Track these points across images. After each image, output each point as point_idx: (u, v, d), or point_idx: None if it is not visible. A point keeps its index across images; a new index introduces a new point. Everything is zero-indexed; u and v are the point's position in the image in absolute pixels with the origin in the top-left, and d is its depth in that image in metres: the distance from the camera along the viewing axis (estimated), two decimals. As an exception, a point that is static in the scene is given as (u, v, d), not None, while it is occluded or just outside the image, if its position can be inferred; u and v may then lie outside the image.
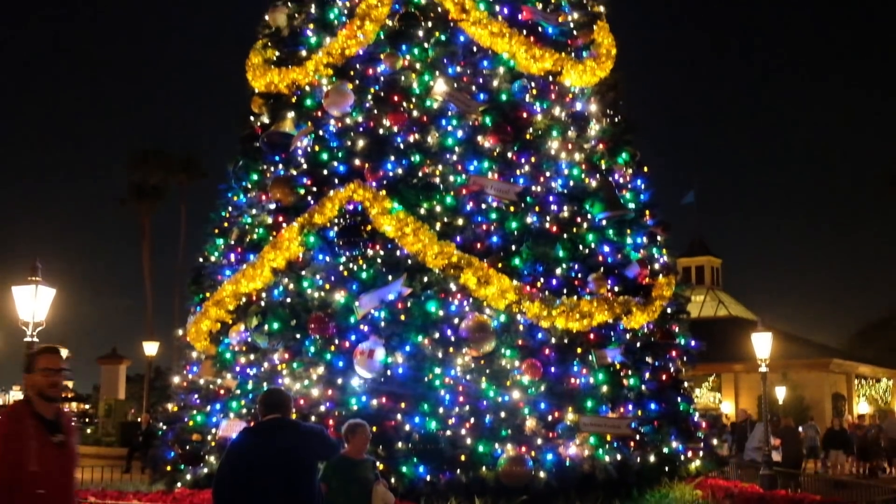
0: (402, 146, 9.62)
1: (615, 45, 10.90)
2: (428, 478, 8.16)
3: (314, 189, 9.70)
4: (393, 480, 7.67)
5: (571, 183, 9.99)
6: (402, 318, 8.91)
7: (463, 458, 8.30)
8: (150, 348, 28.84)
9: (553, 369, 9.01)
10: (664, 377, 10.07)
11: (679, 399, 10.29)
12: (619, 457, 8.92)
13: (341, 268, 9.31)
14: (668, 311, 10.42)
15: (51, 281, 10.52)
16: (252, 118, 10.86)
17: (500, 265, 9.06)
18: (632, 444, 9.21)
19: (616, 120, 10.99)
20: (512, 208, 9.46)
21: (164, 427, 10.31)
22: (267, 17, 10.98)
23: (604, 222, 10.06)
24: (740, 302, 42.86)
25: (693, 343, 10.74)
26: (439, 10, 10.14)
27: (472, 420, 8.53)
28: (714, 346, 17.75)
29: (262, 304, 9.56)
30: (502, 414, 8.63)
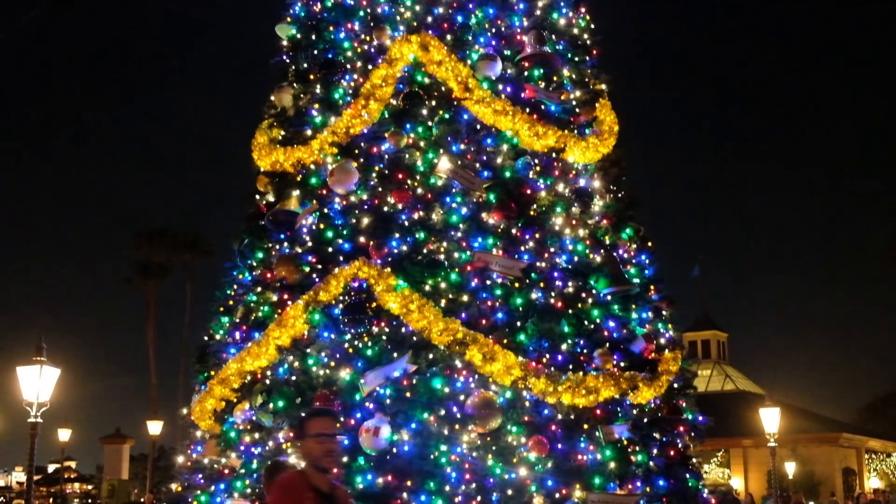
0: (406, 223, 9.67)
1: (617, 121, 10.99)
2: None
3: (319, 267, 9.73)
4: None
5: (576, 258, 10.00)
6: (408, 395, 8.86)
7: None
8: (154, 427, 28.71)
9: (560, 446, 8.92)
10: (672, 453, 9.96)
11: (688, 475, 10.17)
12: (628, 535, 8.79)
13: (346, 345, 9.29)
14: (675, 386, 10.36)
15: (56, 360, 10.52)
16: (257, 197, 10.94)
17: (505, 341, 9.03)
18: (641, 521, 9.09)
19: (619, 195, 11.05)
20: (517, 284, 9.46)
21: (168, 508, 10.20)
22: (273, 98, 11.11)
23: (609, 297, 10.05)
24: (747, 376, 42.67)
25: (701, 418, 10.65)
26: (443, 89, 10.27)
27: (479, 498, 8.43)
28: (722, 420, 17.62)
29: (267, 382, 9.53)
30: (509, 491, 8.53)
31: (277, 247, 10.33)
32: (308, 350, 9.38)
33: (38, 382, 10.19)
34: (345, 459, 8.56)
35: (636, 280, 10.57)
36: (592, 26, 11.51)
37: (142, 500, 24.81)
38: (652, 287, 10.84)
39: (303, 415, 4.67)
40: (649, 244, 11.15)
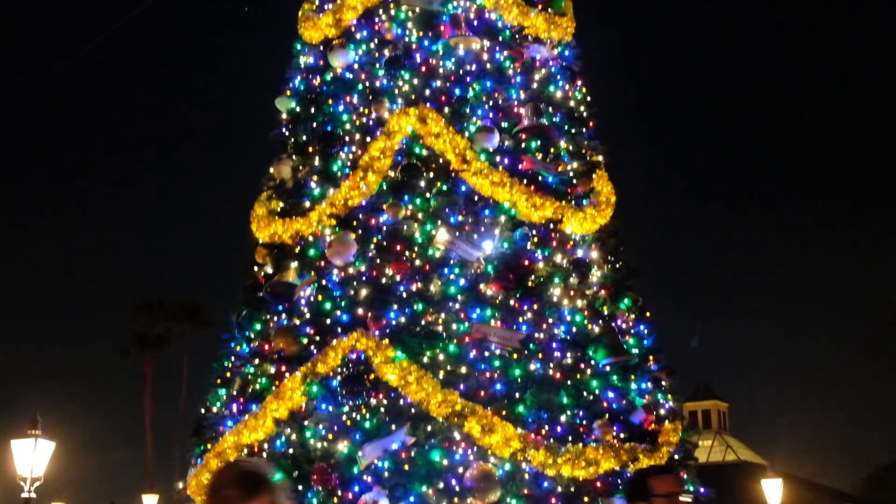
0: (404, 295, 9.67)
1: (614, 192, 11.05)
2: None
3: (317, 338, 9.70)
4: None
5: (574, 329, 9.98)
6: (406, 467, 8.78)
7: None
8: (150, 501, 28.40)
9: (560, 519, 8.83)
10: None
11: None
12: None
13: (344, 417, 9.23)
14: (676, 457, 10.27)
15: (50, 434, 10.44)
16: (256, 268, 10.94)
17: (504, 413, 8.97)
18: None
19: (617, 266, 11.05)
20: (515, 355, 9.43)
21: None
22: (272, 170, 11.18)
23: (608, 368, 10.01)
24: (749, 446, 42.36)
25: (702, 490, 10.53)
26: (441, 161, 10.34)
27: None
28: (724, 492, 17.44)
29: (264, 455, 9.45)
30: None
31: (275, 318, 10.32)
32: (306, 422, 9.32)
33: (32, 456, 10.09)
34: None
35: (635, 350, 10.54)
36: (589, 99, 11.61)
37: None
38: (651, 357, 10.80)
39: (640, 474, 4.38)
40: (648, 314, 11.13)
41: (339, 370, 9.37)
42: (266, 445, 9.52)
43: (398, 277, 9.78)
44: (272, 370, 9.89)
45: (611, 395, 9.86)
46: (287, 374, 9.54)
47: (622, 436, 9.56)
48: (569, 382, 9.56)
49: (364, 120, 10.82)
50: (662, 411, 10.39)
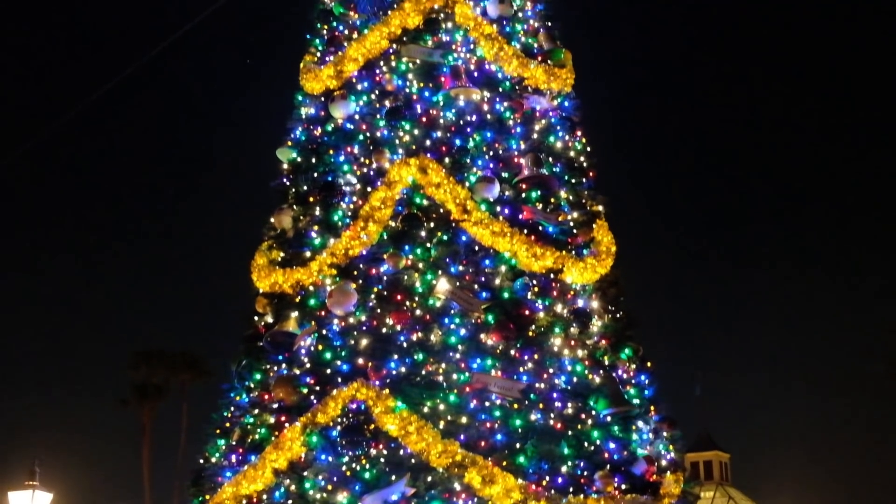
0: (405, 345, 9.67)
1: (614, 242, 11.07)
2: None
3: (317, 388, 9.69)
4: None
5: (575, 379, 9.95)
6: (407, 519, 8.73)
7: None
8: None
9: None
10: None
11: None
12: None
13: (344, 468, 9.19)
14: (678, 509, 10.18)
15: (48, 485, 10.38)
16: (256, 318, 10.94)
17: (504, 463, 8.94)
18: None
19: (618, 316, 11.04)
20: (516, 406, 9.41)
21: None
22: (272, 220, 11.21)
23: (609, 419, 9.96)
24: (751, 497, 42.04)
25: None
26: (441, 211, 10.38)
27: None
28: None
29: (264, 506, 9.39)
30: None
31: (275, 368, 10.30)
32: (305, 473, 9.27)
33: (30, 507, 10.02)
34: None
35: (636, 401, 10.49)
36: (588, 149, 11.68)
37: None
38: (652, 408, 10.75)
39: None
40: (648, 364, 11.10)
41: (339, 420, 9.34)
42: (265, 496, 9.46)
43: (399, 327, 9.79)
44: (272, 420, 9.85)
45: (612, 445, 9.80)
46: (287, 425, 9.51)
47: (623, 487, 9.49)
48: (570, 433, 9.52)
49: (365, 170, 10.87)
50: (664, 462, 10.32)
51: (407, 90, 11.19)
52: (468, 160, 10.70)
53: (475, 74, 11.25)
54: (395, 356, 9.60)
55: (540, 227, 10.58)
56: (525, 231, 10.33)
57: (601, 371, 10.22)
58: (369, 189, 10.60)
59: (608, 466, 9.54)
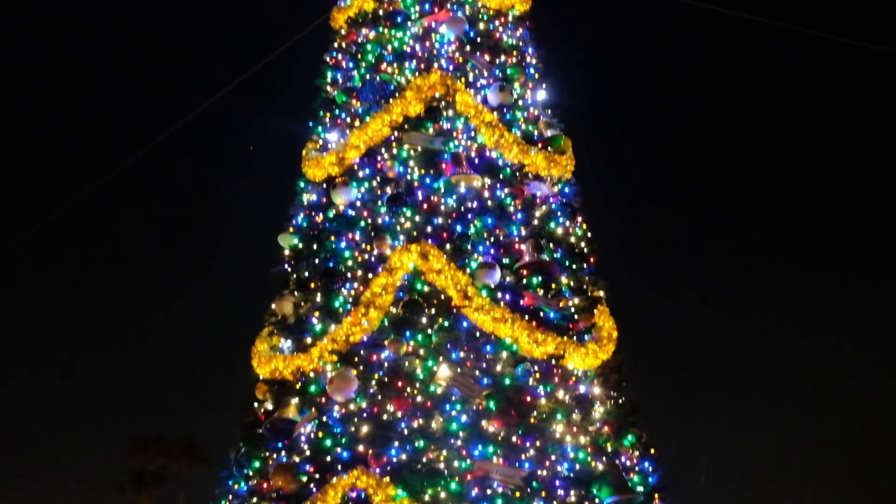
0: (406, 432, 9.60)
1: (616, 327, 11.05)
2: None
3: (317, 476, 9.58)
4: None
5: (578, 467, 9.86)
6: None
7: None
8: None
9: None
10: None
11: None
12: None
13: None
14: None
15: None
16: (255, 405, 10.87)
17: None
18: None
19: (620, 402, 10.98)
20: (518, 494, 9.31)
21: None
22: (273, 306, 11.21)
23: (612, 507, 9.84)
24: (757, 587, 41.27)
25: None
26: (442, 297, 10.38)
27: None
28: None
29: None
30: None
31: (275, 456, 10.21)
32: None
33: None
34: None
35: (640, 488, 10.38)
36: (589, 235, 11.72)
37: None
38: (656, 495, 10.63)
39: None
40: (652, 451, 11.00)
41: (338, 509, 9.22)
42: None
43: (399, 414, 9.73)
44: (271, 509, 9.73)
45: (616, 534, 9.68)
46: (286, 513, 9.38)
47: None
48: (573, 521, 9.40)
49: (366, 256, 10.90)
50: (669, 551, 10.19)
51: (408, 177, 11.28)
52: (469, 246, 10.73)
53: (476, 161, 11.35)
54: (396, 443, 9.52)
55: (541, 313, 10.58)
56: (526, 317, 10.33)
57: (604, 458, 10.13)
58: (370, 275, 10.61)
59: (612, 555, 9.42)
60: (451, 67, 11.83)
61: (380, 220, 11.07)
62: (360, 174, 11.45)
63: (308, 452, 9.89)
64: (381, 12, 12.42)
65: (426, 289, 10.49)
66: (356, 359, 10.25)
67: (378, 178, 11.39)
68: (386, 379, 10.00)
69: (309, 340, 10.59)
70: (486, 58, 12.10)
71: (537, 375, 10.23)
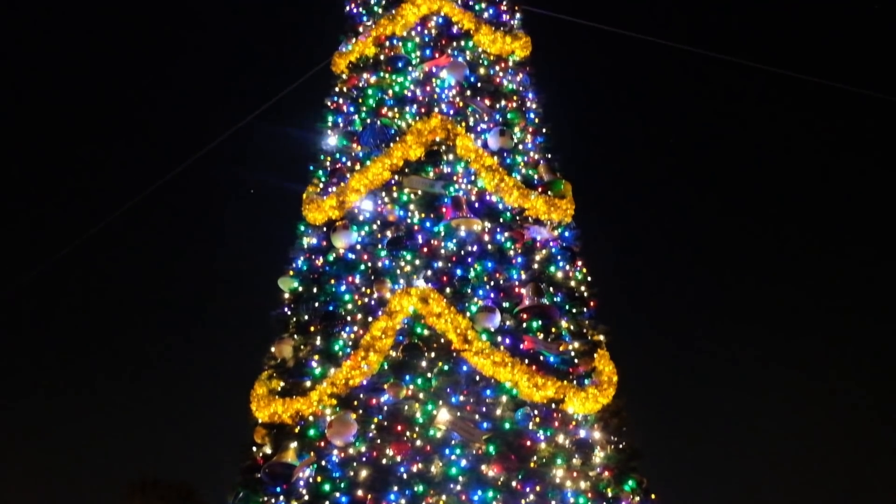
0: (405, 476, 9.53)
1: (616, 372, 11.02)
2: None
3: (315, 521, 9.52)
4: None
5: (578, 512, 9.79)
6: None
7: None
8: None
9: None
10: None
11: None
12: None
13: None
14: None
15: None
16: (254, 448, 10.81)
17: None
18: None
19: (621, 446, 10.92)
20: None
21: None
22: (273, 349, 11.18)
23: (612, 552, 9.77)
24: None
25: None
26: (442, 340, 10.37)
27: None
28: None
29: None
30: None
31: (273, 500, 10.13)
32: None
33: None
34: None
35: (641, 534, 10.31)
36: (589, 279, 11.73)
37: None
38: (657, 541, 10.55)
39: None
40: (653, 496, 10.93)
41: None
42: None
43: (399, 458, 9.68)
44: (268, 555, 9.65)
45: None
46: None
47: None
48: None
49: (366, 300, 10.89)
50: None
51: (408, 220, 11.31)
52: (469, 290, 10.74)
53: (476, 205, 11.38)
54: (395, 488, 9.46)
55: (541, 357, 10.56)
56: (526, 361, 10.31)
57: (604, 503, 10.06)
58: (370, 319, 10.60)
59: None
60: (451, 112, 11.92)
61: (380, 264, 11.07)
62: (361, 218, 11.48)
63: (307, 497, 9.81)
64: (382, 57, 12.54)
65: (426, 332, 10.47)
66: (355, 403, 10.20)
67: (378, 222, 11.42)
68: (385, 423, 9.95)
69: (308, 384, 10.56)
70: (487, 102, 12.19)
71: (537, 420, 10.19)
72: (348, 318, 10.85)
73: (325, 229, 11.68)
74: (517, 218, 11.55)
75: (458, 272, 10.87)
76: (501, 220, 11.45)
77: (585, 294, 11.61)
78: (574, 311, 11.35)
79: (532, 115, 12.62)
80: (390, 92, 12.25)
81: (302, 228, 12.00)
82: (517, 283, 11.06)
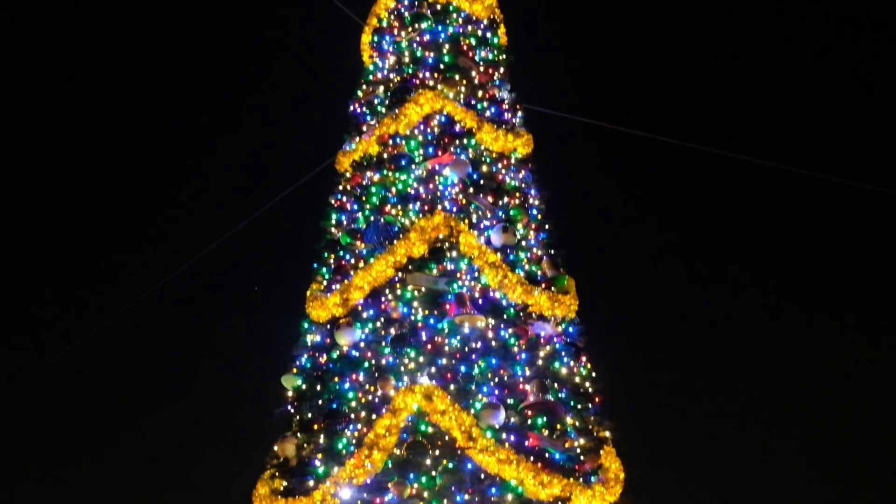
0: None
1: (622, 469, 10.91)
2: None
3: None
4: None
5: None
6: None
7: None
8: None
9: None
10: None
11: None
12: None
13: None
14: None
15: None
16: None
17: None
18: None
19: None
20: None
21: None
22: (276, 448, 11.09)
23: None
24: None
25: None
26: (446, 438, 10.29)
27: None
28: None
29: None
30: None
31: None
32: None
33: None
34: None
35: None
36: (594, 375, 11.68)
37: None
38: None
39: None
40: None
41: None
42: None
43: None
44: None
45: None
46: None
47: None
48: None
49: (369, 397, 10.84)
50: None
51: (412, 317, 11.30)
52: (473, 387, 10.69)
53: (480, 302, 11.38)
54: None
55: (546, 454, 10.46)
56: (531, 458, 10.21)
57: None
58: (374, 416, 10.53)
59: None
60: (454, 209, 11.99)
61: (384, 361, 11.04)
62: (364, 315, 11.48)
63: None
64: (385, 155, 12.67)
65: (430, 430, 10.39)
66: (359, 502, 10.08)
67: (382, 319, 11.40)
68: (390, 524, 9.81)
69: (311, 483, 10.44)
70: (490, 199, 12.27)
71: (545, 519, 10.05)
72: (352, 416, 10.78)
73: (328, 327, 11.68)
74: (521, 314, 11.55)
75: (462, 369, 10.82)
76: (505, 316, 11.44)
77: (590, 390, 11.56)
78: (579, 407, 11.28)
79: (534, 212, 12.70)
80: (394, 189, 12.36)
81: (305, 326, 12.00)
82: (521, 379, 11.00)
